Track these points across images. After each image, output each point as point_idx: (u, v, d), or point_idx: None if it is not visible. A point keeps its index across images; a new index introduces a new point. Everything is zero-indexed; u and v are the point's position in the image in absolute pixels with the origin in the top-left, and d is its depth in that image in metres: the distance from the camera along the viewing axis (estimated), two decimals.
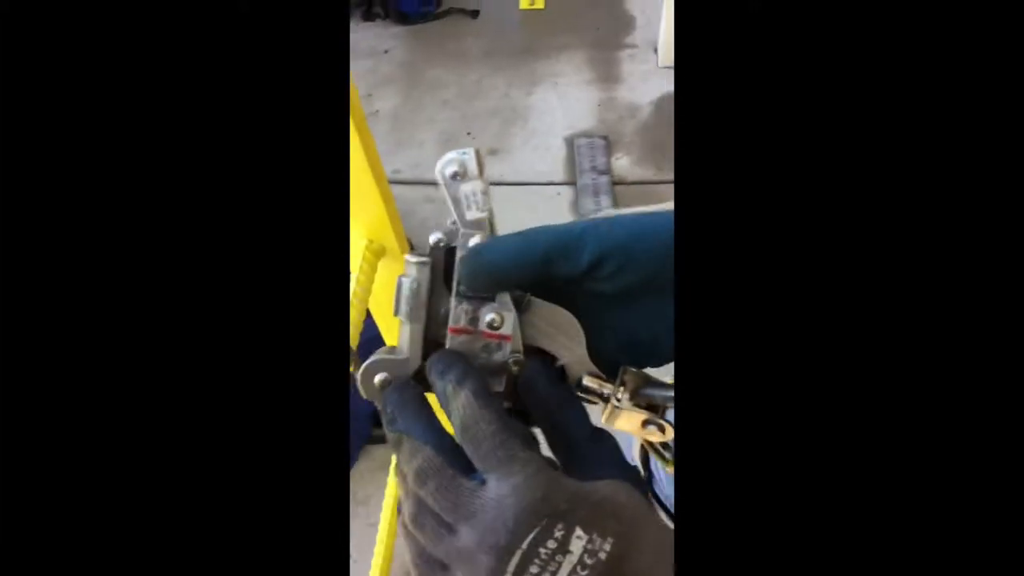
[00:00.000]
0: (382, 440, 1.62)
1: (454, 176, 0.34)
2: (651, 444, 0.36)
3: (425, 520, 0.30)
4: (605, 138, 2.33)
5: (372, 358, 0.35)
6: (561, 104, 2.51)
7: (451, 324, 0.35)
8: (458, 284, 0.34)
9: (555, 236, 0.33)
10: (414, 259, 0.35)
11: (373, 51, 2.81)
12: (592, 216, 0.35)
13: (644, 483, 0.33)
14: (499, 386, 0.35)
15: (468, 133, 2.45)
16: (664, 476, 0.77)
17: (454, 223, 0.34)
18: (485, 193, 0.34)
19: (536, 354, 0.35)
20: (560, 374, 0.35)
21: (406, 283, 0.35)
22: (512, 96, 2.57)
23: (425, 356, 0.35)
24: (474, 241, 0.34)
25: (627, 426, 0.35)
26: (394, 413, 0.33)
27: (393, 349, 0.35)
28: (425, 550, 0.31)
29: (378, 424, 1.61)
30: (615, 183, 2.16)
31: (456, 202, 0.34)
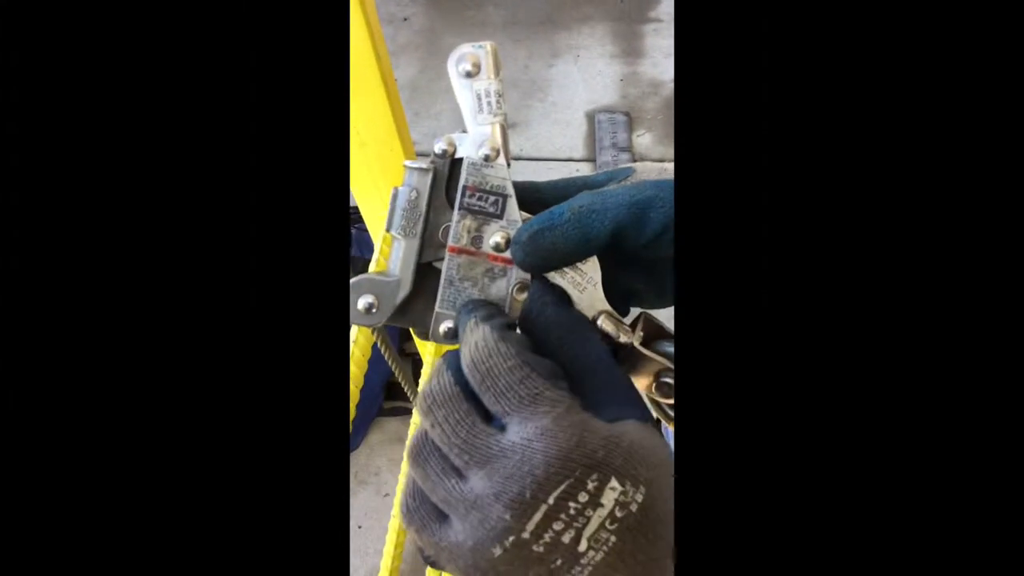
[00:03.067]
0: (393, 412, 1.63)
1: (467, 74, 0.30)
2: (656, 402, 0.34)
3: (428, 457, 0.26)
4: (627, 114, 2.28)
5: (358, 277, 0.30)
6: (582, 78, 2.47)
7: (451, 242, 0.30)
8: (463, 194, 0.30)
9: (616, 215, 0.29)
10: (414, 165, 0.30)
11: (392, 18, 2.76)
12: (637, 175, 0.32)
13: (656, 422, 0.30)
14: None
15: None
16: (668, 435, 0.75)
17: (463, 131, 0.30)
18: (500, 95, 0.30)
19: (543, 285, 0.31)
20: (567, 305, 0.31)
21: (403, 192, 0.30)
22: (532, 68, 2.52)
23: (417, 280, 0.31)
24: (483, 152, 0.30)
25: (639, 379, 0.33)
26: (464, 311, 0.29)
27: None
28: (422, 491, 0.26)
29: (390, 396, 1.62)
30: (636, 161, 2.13)
31: (467, 103, 0.30)
